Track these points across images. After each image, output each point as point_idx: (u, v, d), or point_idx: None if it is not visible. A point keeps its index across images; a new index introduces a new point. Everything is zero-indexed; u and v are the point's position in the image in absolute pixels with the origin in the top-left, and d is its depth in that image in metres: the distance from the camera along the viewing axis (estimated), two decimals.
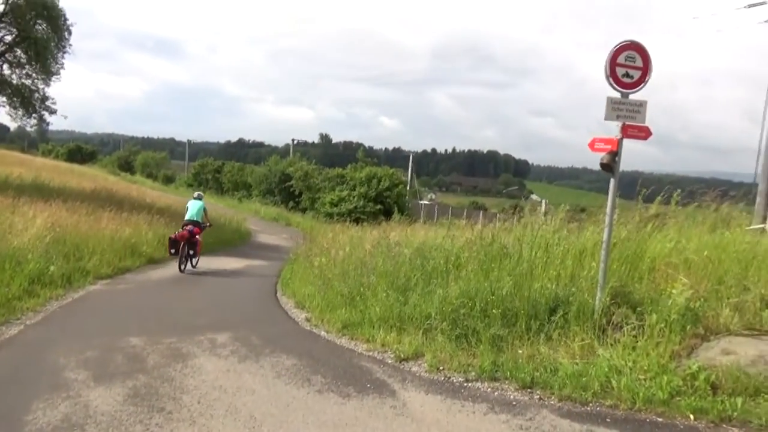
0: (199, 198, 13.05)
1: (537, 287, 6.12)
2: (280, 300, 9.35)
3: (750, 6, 21.79)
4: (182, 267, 11.80)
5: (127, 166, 57.88)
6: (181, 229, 12.11)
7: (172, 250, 11.77)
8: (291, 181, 35.86)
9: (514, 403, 4.54)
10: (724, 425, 4.01)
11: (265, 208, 34.02)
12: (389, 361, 5.72)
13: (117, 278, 10.53)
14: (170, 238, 11.86)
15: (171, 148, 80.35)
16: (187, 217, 12.40)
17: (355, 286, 7.97)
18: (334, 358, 5.88)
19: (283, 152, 50.28)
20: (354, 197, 31.38)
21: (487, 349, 5.43)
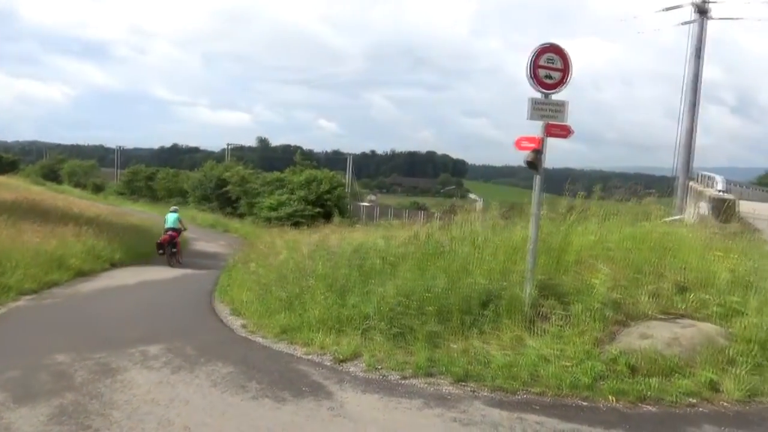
0: (174, 211, 16.56)
1: (470, 283, 6.28)
2: (217, 308, 9.15)
3: (667, 9, 23.24)
4: (171, 262, 14.92)
5: (52, 176, 54.80)
6: (164, 234, 15.34)
7: (160, 251, 14.89)
8: (228, 187, 35.14)
9: (448, 396, 4.65)
10: (641, 404, 4.27)
11: (201, 215, 33.11)
12: (327, 363, 5.72)
13: (43, 293, 9.99)
14: (157, 243, 15.08)
15: (101, 155, 76.76)
16: (167, 225, 15.62)
17: (294, 290, 7.90)
18: (270, 363, 5.82)
19: (219, 157, 49.20)
20: (293, 201, 31.10)
21: (422, 346, 5.53)
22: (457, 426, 4.08)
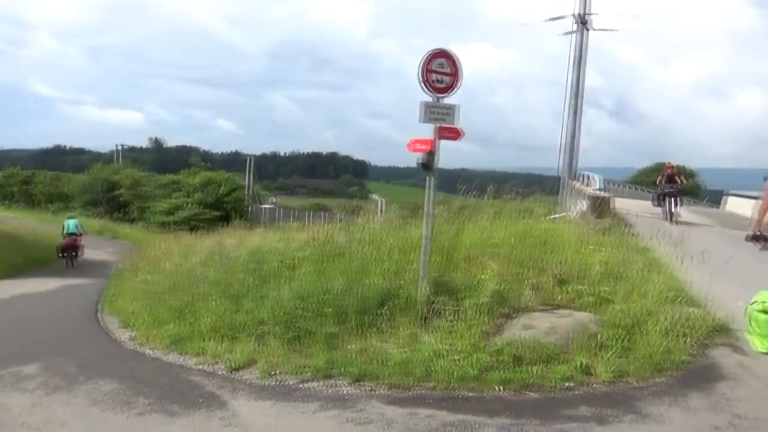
0: (72, 217, 18.32)
1: (368, 283, 6.38)
2: (102, 320, 8.56)
3: (552, 19, 24.87)
4: (69, 264, 15.88)
5: None
6: (66, 239, 16.47)
7: (61, 255, 15.98)
8: (119, 190, 33.01)
9: (345, 397, 4.68)
10: (525, 392, 4.54)
11: (88, 221, 30.86)
12: (221, 373, 5.56)
13: None
14: (58, 247, 16.23)
15: None
16: (68, 231, 16.80)
17: (186, 297, 7.59)
18: (160, 376, 5.56)
19: (108, 159, 46.02)
20: (190, 204, 29.86)
21: (320, 349, 5.52)
22: (351, 426, 4.12)
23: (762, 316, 3.97)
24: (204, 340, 6.29)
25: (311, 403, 4.58)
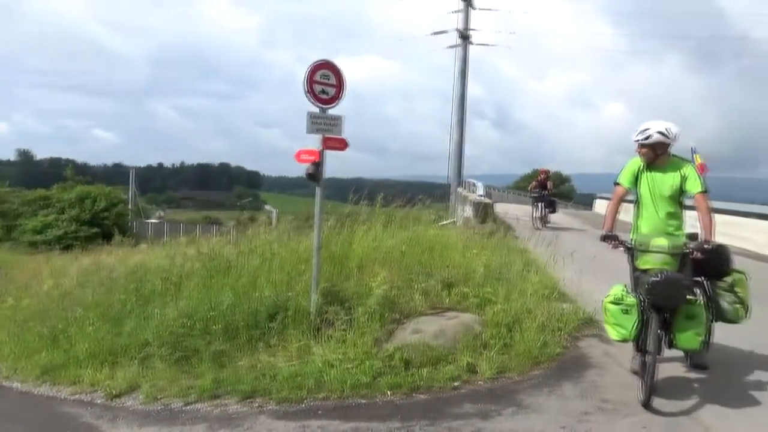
0: None
1: (257, 297, 6.24)
2: None
3: (436, 33, 25.98)
4: None
5: None
6: None
7: None
8: None
9: (233, 416, 4.54)
10: (414, 394, 4.67)
11: None
12: (99, 401, 5.20)
13: None
14: None
15: None
16: None
17: (59, 323, 6.98)
18: (29, 411, 5.11)
19: None
20: (63, 221, 27.49)
21: (208, 368, 5.31)
22: None
23: (612, 307, 4.40)
24: (80, 367, 5.86)
25: (197, 425, 4.40)
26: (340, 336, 5.51)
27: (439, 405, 4.47)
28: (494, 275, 7.08)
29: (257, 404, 4.70)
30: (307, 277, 6.39)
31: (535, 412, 4.30)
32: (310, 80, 6.08)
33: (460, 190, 21.10)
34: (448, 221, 13.93)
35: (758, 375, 4.98)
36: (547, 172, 16.96)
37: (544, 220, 15.42)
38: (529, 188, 17.72)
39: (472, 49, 25.34)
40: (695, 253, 4.38)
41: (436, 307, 6.15)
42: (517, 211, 17.34)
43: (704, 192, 4.61)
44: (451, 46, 25.22)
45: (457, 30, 24.80)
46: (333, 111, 6.27)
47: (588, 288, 6.56)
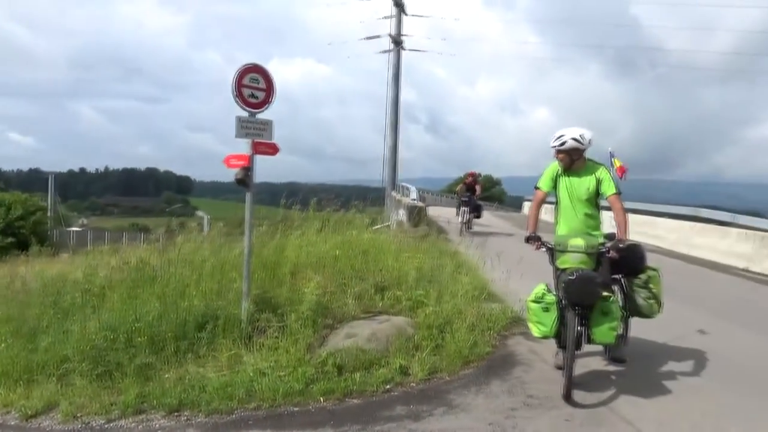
0: None
1: (186, 306, 6.05)
2: None
3: (369, 38, 26.14)
4: None
5: None
6: None
7: None
8: None
9: (160, 431, 4.38)
10: (347, 399, 4.67)
11: None
12: (13, 423, 4.89)
13: None
14: None
15: None
16: None
17: None
18: None
19: None
20: None
21: (132, 382, 5.08)
22: None
23: (533, 305, 4.59)
24: None
25: None
26: (272, 344, 5.43)
27: (372, 409, 4.50)
28: (426, 278, 7.20)
29: (185, 417, 4.56)
30: (238, 285, 6.27)
31: (464, 411, 4.40)
32: (239, 84, 5.98)
33: (394, 194, 21.30)
34: (383, 225, 14.04)
35: (671, 366, 5.34)
36: (474, 175, 16.48)
37: (468, 224, 15.04)
38: (456, 191, 17.11)
39: (405, 54, 25.64)
40: (611, 251, 4.60)
41: (369, 311, 6.19)
42: (449, 215, 17.72)
43: (618, 194, 4.86)
44: (384, 51, 25.43)
45: (390, 35, 25.03)
46: (263, 115, 6.19)
47: (515, 288, 6.79)
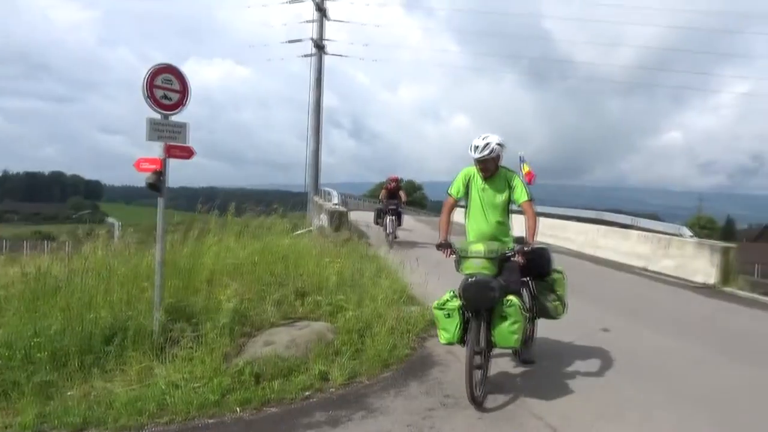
0: None
1: (92, 318, 5.71)
2: None
3: (291, 41, 25.86)
4: None
5: None
6: None
7: None
8: None
9: None
10: (265, 408, 4.58)
11: None
12: None
13: None
14: None
15: None
16: None
17: None
18: None
19: None
20: None
21: (30, 402, 4.71)
22: None
23: (437, 312, 4.69)
24: None
25: None
26: (186, 354, 5.24)
27: (291, 416, 4.44)
28: (347, 282, 7.22)
29: None
30: (150, 294, 6.00)
31: (383, 414, 4.45)
32: (150, 85, 5.75)
33: (316, 198, 21.18)
34: (304, 230, 13.92)
35: (577, 363, 5.67)
36: (397, 180, 15.13)
37: (395, 234, 13.56)
38: (379, 198, 14.91)
39: (327, 59, 25.63)
40: (516, 255, 4.68)
41: (289, 318, 6.11)
42: (371, 219, 17.84)
43: (530, 201, 4.95)
44: (307, 55, 25.32)
45: (312, 39, 24.94)
46: (178, 117, 5.97)
47: (433, 290, 6.94)
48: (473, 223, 5.08)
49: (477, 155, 4.81)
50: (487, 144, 4.78)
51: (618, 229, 15.56)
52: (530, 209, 4.91)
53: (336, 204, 15.79)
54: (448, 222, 5.07)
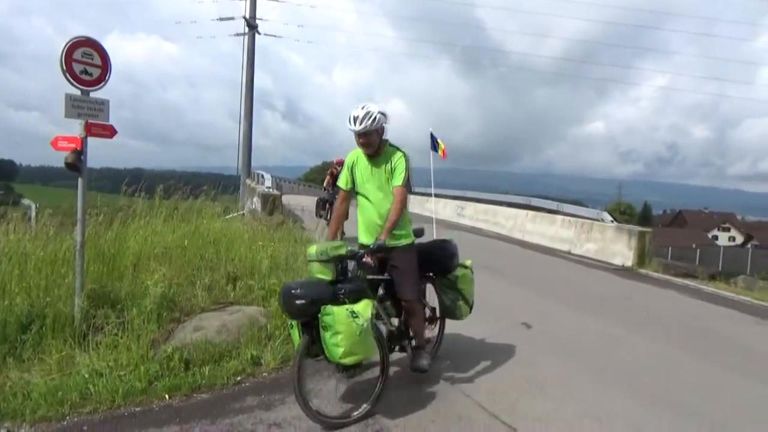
0: None
1: (6, 306, 5.38)
2: None
3: (222, 19, 24.98)
4: None
5: None
6: None
7: None
8: None
9: None
10: (195, 395, 4.49)
11: None
12: None
13: None
14: None
15: None
16: None
17: None
18: None
19: None
20: None
21: None
22: None
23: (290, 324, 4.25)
24: None
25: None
26: (110, 342, 5.04)
27: (222, 402, 4.38)
28: (281, 267, 7.16)
29: (5, 429, 4.06)
30: (70, 280, 5.71)
31: (316, 397, 4.47)
32: (68, 59, 5.43)
33: (248, 181, 20.73)
34: (236, 214, 13.63)
35: (501, 345, 5.90)
36: (343, 163, 13.14)
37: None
38: (324, 185, 12.71)
39: (260, 39, 24.96)
40: (367, 256, 4.07)
41: (220, 303, 5.99)
42: (305, 203, 17.69)
43: (403, 187, 4.27)
44: (239, 34, 24.51)
45: (244, 18, 24.19)
46: (98, 94, 5.67)
47: None
48: (360, 214, 4.53)
49: (358, 127, 4.14)
50: (368, 113, 4.13)
51: (544, 215, 16.24)
52: (399, 197, 4.24)
53: (269, 187, 15.51)
54: (339, 217, 4.60)
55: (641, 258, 12.19)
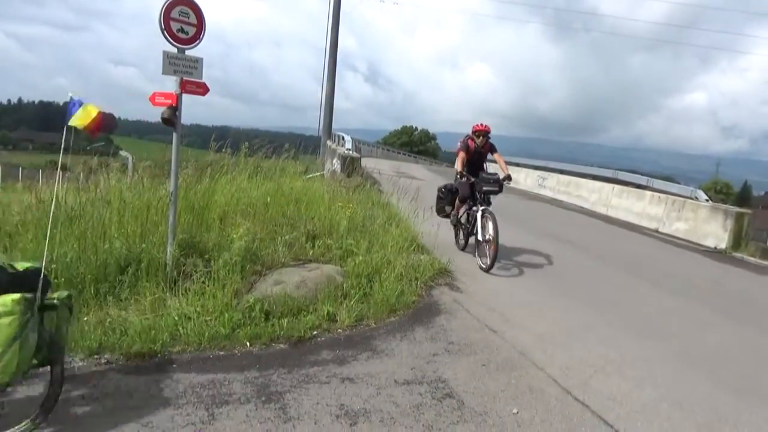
0: None
1: (107, 248, 5.83)
2: None
3: None
4: None
5: None
6: None
7: None
8: None
9: (78, 373, 4.27)
10: (273, 344, 4.71)
11: None
12: None
13: None
14: None
15: None
16: None
17: None
18: None
19: None
20: None
21: None
22: (83, 403, 3.79)
23: None
24: None
25: (36, 384, 4.07)
26: (198, 289, 5.35)
27: (299, 353, 4.57)
28: (358, 228, 7.26)
29: (105, 360, 4.45)
30: (163, 229, 6.08)
31: (388, 356, 4.57)
32: (166, 17, 5.63)
33: (329, 143, 21.03)
34: (316, 174, 13.90)
35: (579, 323, 5.71)
36: (484, 130, 7.85)
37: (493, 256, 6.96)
38: (458, 166, 7.68)
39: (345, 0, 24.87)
40: None
41: (299, 259, 6.19)
42: (384, 167, 17.76)
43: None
44: None
45: None
46: (192, 52, 5.88)
47: (443, 240, 6.99)
48: None
49: None
50: None
51: (632, 189, 15.42)
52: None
53: (349, 149, 15.66)
54: None
55: (737, 241, 11.35)
